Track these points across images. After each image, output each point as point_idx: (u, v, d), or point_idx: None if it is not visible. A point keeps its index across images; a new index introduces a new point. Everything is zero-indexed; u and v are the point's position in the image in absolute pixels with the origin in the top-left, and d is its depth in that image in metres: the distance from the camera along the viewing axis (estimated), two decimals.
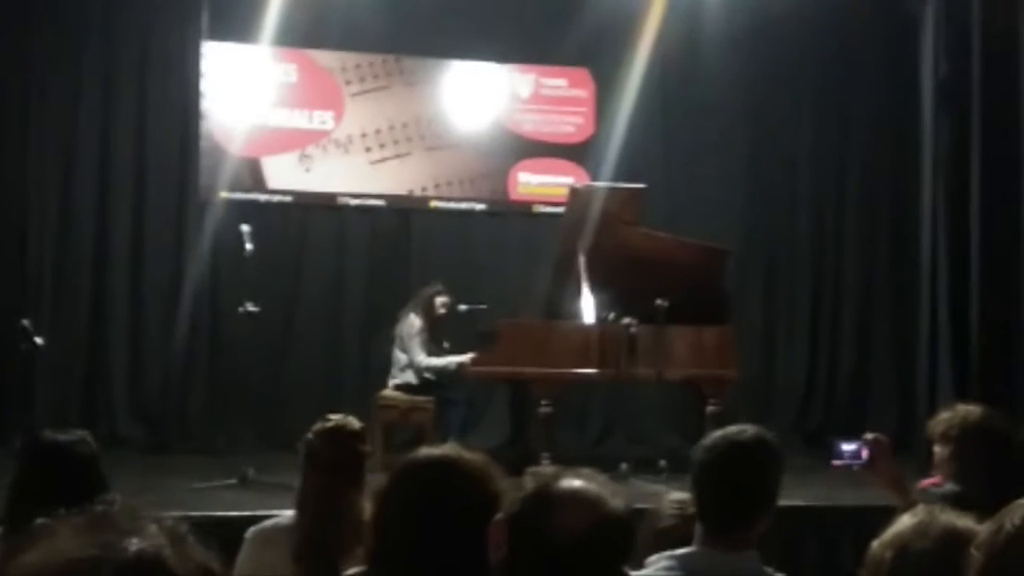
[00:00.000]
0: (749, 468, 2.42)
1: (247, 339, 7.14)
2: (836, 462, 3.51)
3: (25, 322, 6.60)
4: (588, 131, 9.10)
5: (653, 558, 2.38)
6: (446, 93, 8.97)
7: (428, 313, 7.39)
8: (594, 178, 8.65)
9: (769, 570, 2.39)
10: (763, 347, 9.14)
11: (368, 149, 8.81)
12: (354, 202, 8.76)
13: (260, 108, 8.60)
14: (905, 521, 1.77)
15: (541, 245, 8.22)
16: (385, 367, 7.41)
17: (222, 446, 7.69)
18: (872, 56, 9.35)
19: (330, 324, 8.67)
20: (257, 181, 8.60)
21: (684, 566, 2.34)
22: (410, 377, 7.28)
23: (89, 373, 8.17)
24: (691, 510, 2.55)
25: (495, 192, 9.02)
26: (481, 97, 8.99)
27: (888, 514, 1.87)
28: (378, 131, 8.83)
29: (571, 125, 9.12)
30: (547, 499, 1.70)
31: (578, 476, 1.75)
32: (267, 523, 3.09)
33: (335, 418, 3.11)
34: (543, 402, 6.89)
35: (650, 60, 8.77)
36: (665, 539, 2.58)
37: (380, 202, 8.81)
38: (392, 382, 7.31)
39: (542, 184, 9.06)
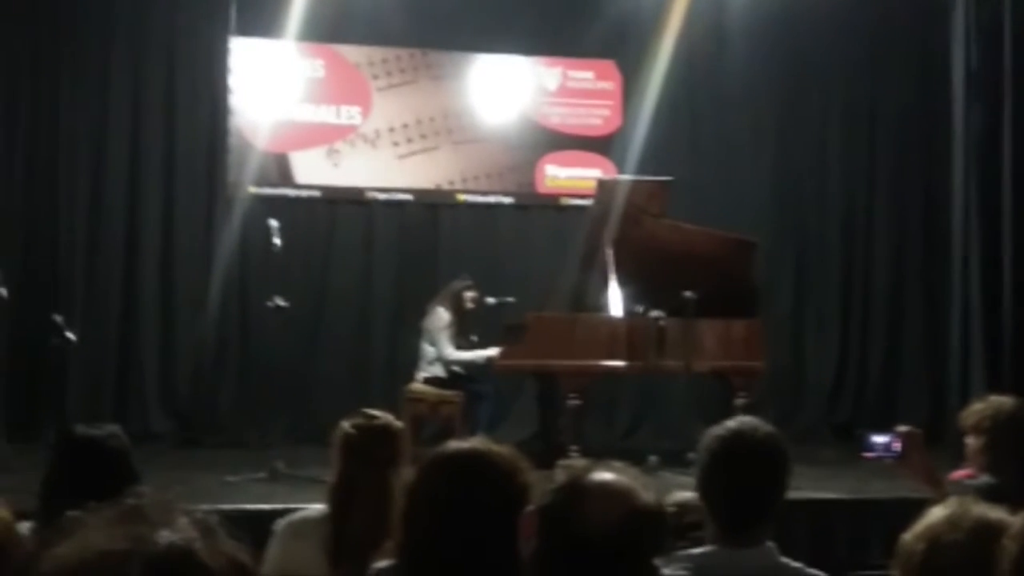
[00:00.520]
0: (759, 467, 2.35)
1: (276, 334, 7.19)
2: (868, 455, 3.47)
3: (57, 318, 6.63)
4: (615, 124, 9.08)
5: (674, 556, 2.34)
6: (473, 87, 8.97)
7: (456, 307, 7.39)
8: (621, 171, 8.62)
9: (786, 560, 2.37)
10: (793, 340, 9.09)
11: (395, 143, 8.82)
12: (382, 196, 8.78)
13: (287, 103, 8.63)
14: (937, 513, 1.76)
15: (568, 238, 8.22)
16: (413, 361, 7.41)
17: (252, 440, 7.72)
18: (901, 46, 9.27)
19: (358, 318, 8.69)
20: (285, 176, 8.63)
21: (701, 567, 2.31)
22: (438, 371, 7.28)
23: (120, 368, 8.23)
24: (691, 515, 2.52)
25: (522, 185, 9.01)
26: (507, 90, 8.99)
27: (919, 506, 1.86)
28: (405, 125, 8.84)
29: (598, 118, 9.10)
30: (579, 491, 1.70)
31: (610, 469, 1.74)
32: (296, 515, 3.09)
33: (379, 415, 3.08)
34: (571, 395, 6.89)
35: (676, 52, 8.74)
36: (692, 533, 2.56)
37: (408, 196, 8.83)
38: (420, 376, 7.31)
39: (569, 177, 9.04)
